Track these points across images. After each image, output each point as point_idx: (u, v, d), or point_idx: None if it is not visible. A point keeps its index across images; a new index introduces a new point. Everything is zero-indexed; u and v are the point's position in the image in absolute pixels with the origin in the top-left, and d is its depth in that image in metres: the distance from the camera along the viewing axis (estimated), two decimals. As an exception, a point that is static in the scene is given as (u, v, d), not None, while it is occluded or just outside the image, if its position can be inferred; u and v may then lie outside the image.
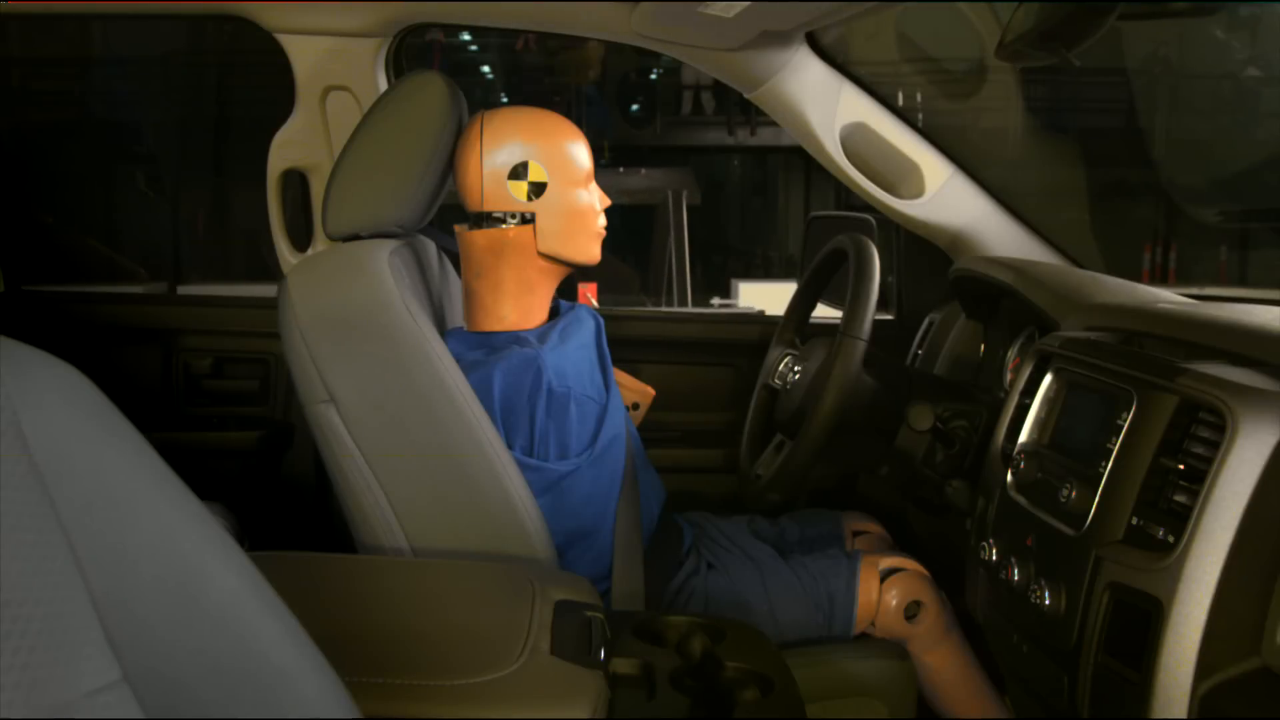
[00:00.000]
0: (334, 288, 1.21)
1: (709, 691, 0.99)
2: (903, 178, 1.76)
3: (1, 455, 0.48)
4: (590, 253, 1.36)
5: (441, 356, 1.20)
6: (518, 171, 1.29)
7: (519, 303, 1.32)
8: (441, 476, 1.21)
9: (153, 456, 0.56)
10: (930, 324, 1.82)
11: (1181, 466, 0.87)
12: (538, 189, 1.29)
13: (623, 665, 0.98)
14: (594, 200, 1.35)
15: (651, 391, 1.69)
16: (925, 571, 1.41)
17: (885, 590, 1.37)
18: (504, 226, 1.30)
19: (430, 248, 1.46)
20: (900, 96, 1.83)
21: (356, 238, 1.30)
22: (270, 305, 1.26)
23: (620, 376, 1.63)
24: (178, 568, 0.54)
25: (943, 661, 1.39)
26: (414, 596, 1.03)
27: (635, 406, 1.67)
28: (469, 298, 1.35)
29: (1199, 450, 0.86)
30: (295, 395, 1.27)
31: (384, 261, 1.21)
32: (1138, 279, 1.50)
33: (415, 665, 0.88)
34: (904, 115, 1.74)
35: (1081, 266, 1.69)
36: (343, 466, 1.20)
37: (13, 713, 0.44)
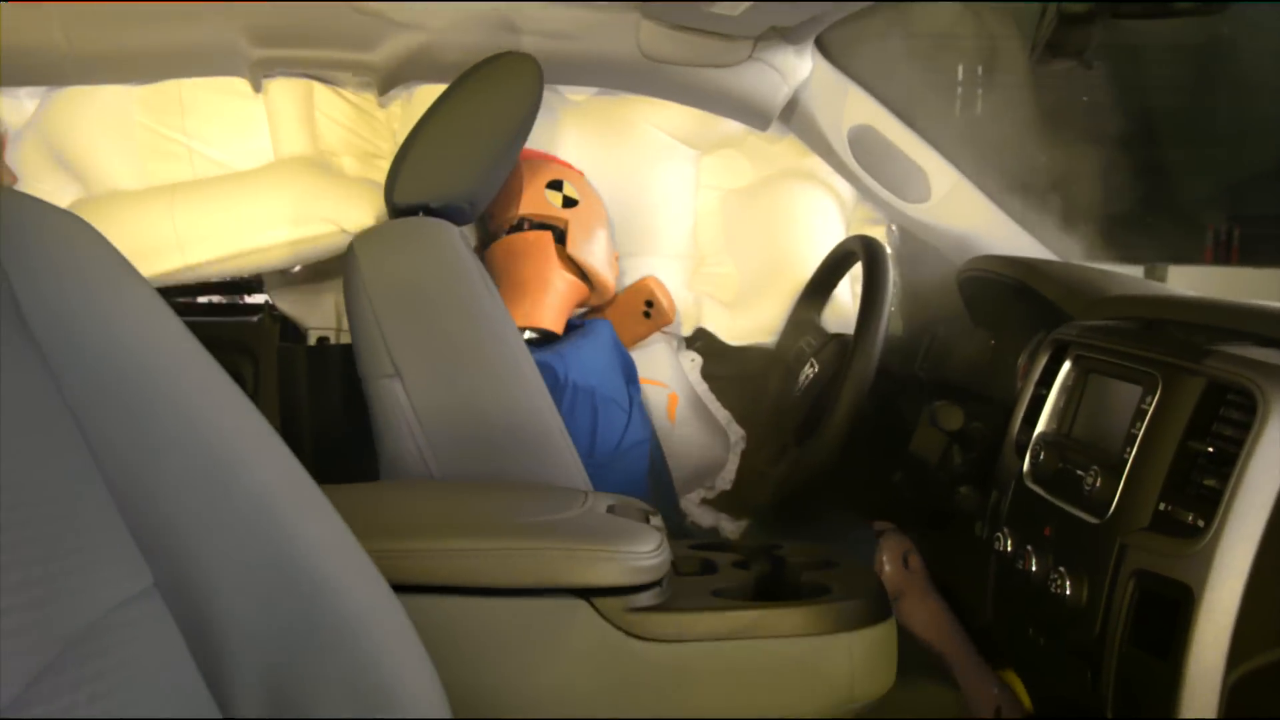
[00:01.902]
0: (409, 257, 1.18)
1: (772, 580, 0.97)
2: (909, 181, 1.75)
3: None
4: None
5: (518, 340, 1.18)
6: (554, 184, 1.38)
7: (538, 300, 1.36)
8: (508, 464, 1.15)
9: (175, 327, 0.49)
10: (934, 336, 1.79)
11: (1210, 449, 0.84)
12: (571, 202, 1.38)
13: (684, 563, 0.97)
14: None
15: (647, 282, 1.64)
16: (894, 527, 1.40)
17: (880, 548, 1.36)
18: (526, 231, 1.36)
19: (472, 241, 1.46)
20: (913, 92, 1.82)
21: (425, 208, 1.26)
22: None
23: (619, 300, 1.60)
24: (205, 459, 0.47)
25: (929, 622, 1.37)
26: (473, 500, 0.99)
27: (649, 304, 1.61)
28: None
29: (1228, 432, 0.84)
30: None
31: (457, 236, 1.19)
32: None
33: (475, 512, 0.87)
34: (910, 119, 1.73)
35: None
36: (402, 446, 1.14)
37: (28, 640, 0.36)
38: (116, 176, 1.48)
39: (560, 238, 1.37)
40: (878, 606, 0.88)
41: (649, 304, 1.61)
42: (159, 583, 0.44)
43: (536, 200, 1.35)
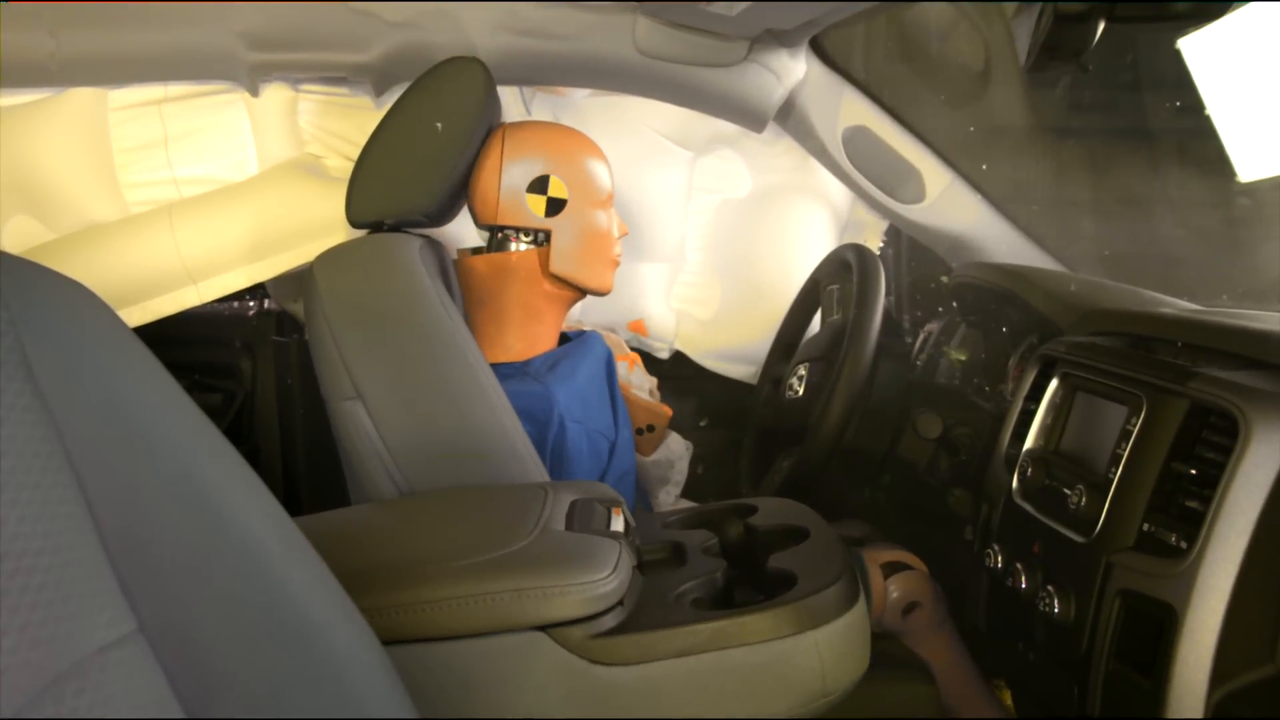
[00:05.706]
0: (364, 278, 1.16)
1: (743, 551, 0.96)
2: (903, 182, 1.76)
3: (2, 386, 0.43)
4: (604, 280, 1.32)
5: (477, 356, 1.15)
6: (537, 185, 1.25)
7: (525, 331, 1.28)
8: (473, 477, 1.14)
9: (171, 386, 0.51)
10: (929, 334, 1.81)
11: (1194, 471, 0.86)
12: (557, 205, 1.26)
13: (652, 552, 0.96)
14: (612, 226, 1.32)
15: (667, 411, 1.64)
16: (925, 568, 1.40)
17: (889, 586, 1.35)
18: (510, 250, 1.26)
19: (447, 254, 1.41)
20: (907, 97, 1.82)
21: (380, 225, 1.25)
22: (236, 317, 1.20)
23: (632, 398, 1.60)
24: (198, 508, 0.49)
25: (935, 655, 1.38)
26: (422, 538, 0.98)
27: (650, 428, 1.61)
28: (471, 328, 1.29)
29: (1210, 455, 0.85)
30: (257, 425, 1.19)
31: (415, 254, 1.17)
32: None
33: (424, 558, 0.84)
34: (905, 119, 1.74)
35: (1079, 273, 1.69)
36: (368, 467, 1.14)
37: (14, 678, 0.39)
38: (93, 208, 1.41)
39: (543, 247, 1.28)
40: (843, 595, 0.86)
41: (650, 428, 1.60)
42: (144, 627, 0.46)
43: (514, 208, 1.26)
